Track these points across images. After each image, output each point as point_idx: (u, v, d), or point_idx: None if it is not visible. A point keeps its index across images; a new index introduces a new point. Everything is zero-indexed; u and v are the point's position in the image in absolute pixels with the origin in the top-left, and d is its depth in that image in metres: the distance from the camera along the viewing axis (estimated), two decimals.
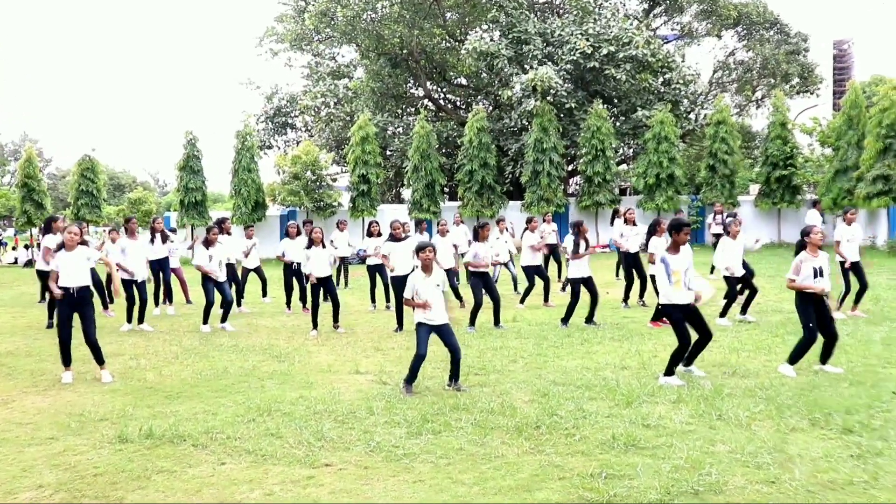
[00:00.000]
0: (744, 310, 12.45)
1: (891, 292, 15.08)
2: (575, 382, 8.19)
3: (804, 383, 7.97)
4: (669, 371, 8.17)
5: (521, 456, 5.91)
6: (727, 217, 13.67)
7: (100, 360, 9.01)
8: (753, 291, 12.52)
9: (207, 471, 5.76)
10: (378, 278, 15.02)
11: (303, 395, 7.90)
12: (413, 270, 9.39)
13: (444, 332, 8.06)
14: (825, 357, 8.68)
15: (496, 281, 16.78)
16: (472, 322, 12.11)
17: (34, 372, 9.57)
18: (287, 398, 7.81)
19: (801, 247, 8.76)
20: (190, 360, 10.05)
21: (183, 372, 9.34)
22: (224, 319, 12.87)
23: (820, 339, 8.59)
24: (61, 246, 9.00)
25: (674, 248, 8.42)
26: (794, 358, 8.60)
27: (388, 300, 14.85)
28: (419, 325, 8.08)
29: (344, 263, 19.41)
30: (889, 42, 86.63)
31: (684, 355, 8.24)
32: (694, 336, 8.27)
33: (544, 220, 19.19)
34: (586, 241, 12.40)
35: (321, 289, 12.35)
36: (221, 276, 12.80)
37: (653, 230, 13.45)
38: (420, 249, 8.30)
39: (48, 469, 5.87)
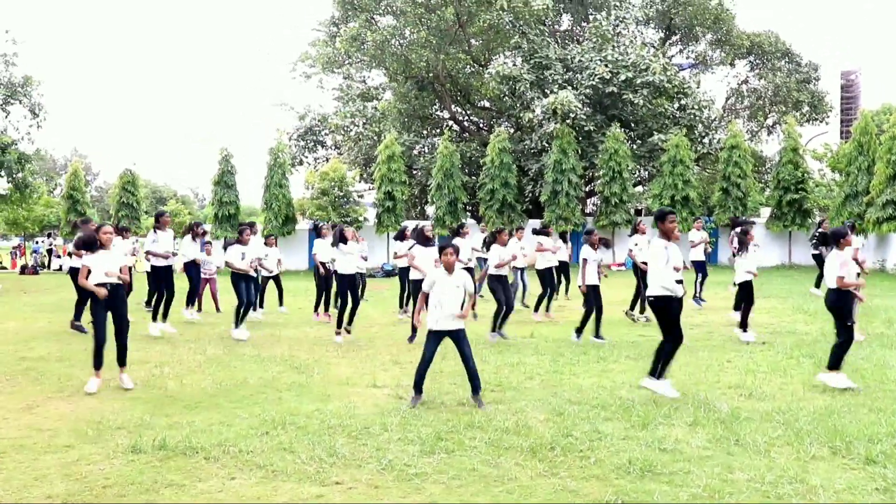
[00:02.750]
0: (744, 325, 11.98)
1: None
2: (590, 402, 7.75)
3: (821, 408, 7.48)
4: (660, 373, 7.84)
5: (535, 479, 5.49)
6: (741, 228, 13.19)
7: (122, 361, 8.57)
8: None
9: (217, 486, 5.39)
10: (408, 285, 14.60)
11: (318, 409, 7.53)
12: None
13: (458, 338, 7.69)
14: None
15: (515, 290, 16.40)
16: (494, 328, 11.75)
17: (62, 377, 9.28)
18: (303, 411, 7.44)
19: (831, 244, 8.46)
20: (212, 370, 9.72)
21: (203, 381, 9.00)
22: (242, 321, 12.55)
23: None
24: (89, 245, 8.56)
25: (665, 237, 7.97)
26: (835, 363, 8.27)
27: (403, 306, 14.56)
28: (430, 332, 7.76)
29: (363, 276, 18.77)
30: (894, 72, 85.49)
31: (675, 352, 7.84)
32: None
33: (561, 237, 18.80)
34: (603, 246, 12.06)
35: (350, 287, 12.19)
36: (252, 273, 12.59)
37: (634, 231, 13.69)
38: (442, 249, 7.97)
39: (60, 479, 5.54)
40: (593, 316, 11.75)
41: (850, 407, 7.52)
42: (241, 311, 12.49)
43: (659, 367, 7.88)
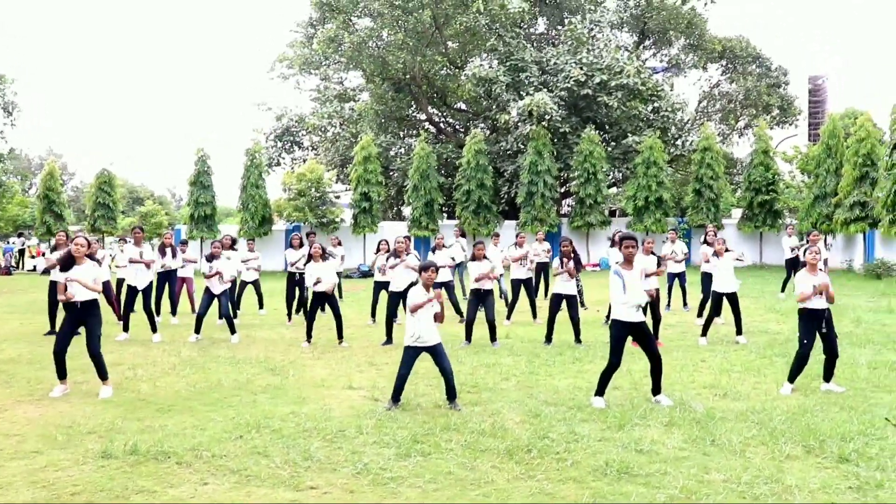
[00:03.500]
0: (705, 331, 11.99)
1: (871, 314, 14.60)
2: (566, 403, 7.68)
3: (795, 406, 7.48)
4: (598, 391, 7.69)
5: (512, 482, 5.40)
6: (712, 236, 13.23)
7: (102, 374, 8.27)
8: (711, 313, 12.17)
9: (188, 492, 5.24)
10: (382, 293, 14.39)
11: (294, 411, 7.38)
12: (411, 286, 8.89)
13: (437, 353, 7.56)
14: (827, 376, 8.30)
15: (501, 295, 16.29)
16: (468, 337, 11.66)
17: (32, 380, 9.04)
18: (278, 413, 7.30)
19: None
20: (186, 372, 9.52)
21: (177, 384, 8.81)
22: (232, 331, 12.38)
23: (822, 358, 8.30)
24: (68, 260, 8.39)
25: (626, 262, 7.73)
26: (791, 376, 8.26)
27: (375, 315, 14.43)
28: (407, 347, 7.59)
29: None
30: (859, 78, 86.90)
31: (612, 375, 7.67)
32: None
33: (536, 240, 18.71)
34: (574, 259, 11.89)
35: (322, 302, 11.88)
36: (217, 289, 12.34)
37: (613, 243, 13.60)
38: (424, 269, 7.82)
39: (26, 486, 5.35)
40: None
41: (823, 405, 7.53)
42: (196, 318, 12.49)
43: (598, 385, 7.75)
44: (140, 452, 6.02)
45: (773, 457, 5.91)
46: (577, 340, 11.59)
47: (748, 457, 5.92)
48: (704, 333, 11.84)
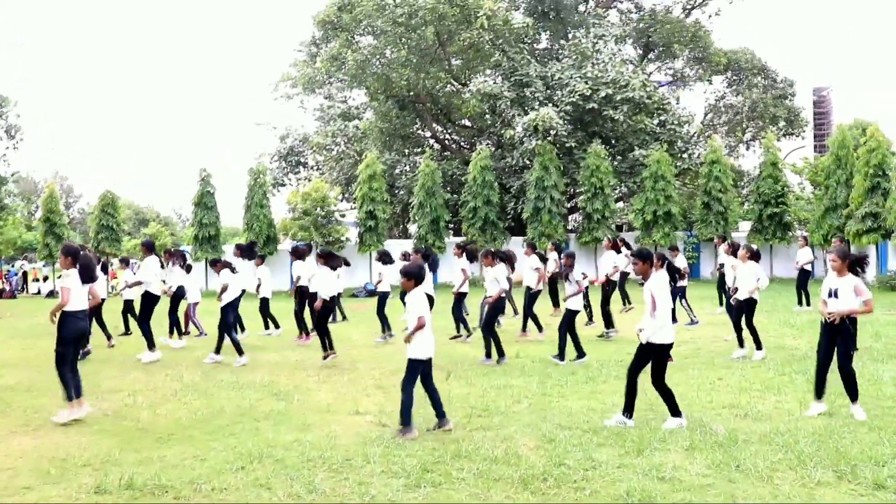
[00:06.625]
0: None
1: (891, 328, 14.24)
2: (582, 426, 7.37)
3: (820, 428, 7.15)
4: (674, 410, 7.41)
5: None
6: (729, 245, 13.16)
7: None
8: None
9: None
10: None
11: (298, 439, 7.10)
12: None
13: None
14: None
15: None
16: (501, 354, 11.47)
17: (28, 409, 8.77)
18: (281, 442, 7.01)
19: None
20: (188, 398, 9.24)
21: (178, 411, 8.53)
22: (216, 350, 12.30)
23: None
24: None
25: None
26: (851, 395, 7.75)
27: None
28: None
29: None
30: (863, 89, 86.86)
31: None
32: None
33: (547, 250, 18.53)
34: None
35: (329, 312, 11.79)
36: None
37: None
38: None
39: None
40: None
41: (850, 426, 7.21)
42: (237, 340, 12.18)
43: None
44: (136, 486, 5.74)
45: (804, 483, 5.60)
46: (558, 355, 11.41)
47: (776, 483, 5.61)
48: (759, 346, 11.46)
